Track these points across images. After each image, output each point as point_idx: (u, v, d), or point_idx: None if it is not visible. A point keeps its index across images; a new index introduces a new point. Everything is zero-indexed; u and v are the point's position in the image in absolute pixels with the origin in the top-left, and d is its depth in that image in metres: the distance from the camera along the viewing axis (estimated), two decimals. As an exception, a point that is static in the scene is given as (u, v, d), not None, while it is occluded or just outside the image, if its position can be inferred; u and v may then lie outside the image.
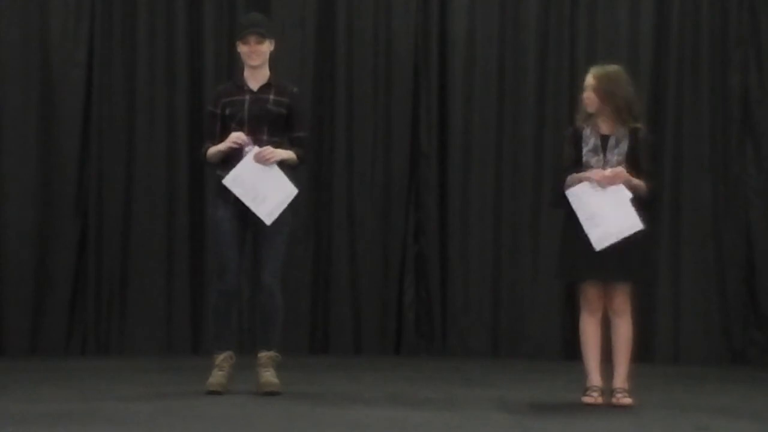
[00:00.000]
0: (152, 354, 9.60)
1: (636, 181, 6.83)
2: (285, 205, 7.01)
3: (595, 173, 6.80)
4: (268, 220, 6.99)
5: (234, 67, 7.29)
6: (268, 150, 7.00)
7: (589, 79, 6.93)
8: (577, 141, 6.93)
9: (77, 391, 7.27)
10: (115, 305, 9.86)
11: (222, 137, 7.09)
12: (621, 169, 6.79)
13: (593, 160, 6.87)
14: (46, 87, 9.82)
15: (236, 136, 7.01)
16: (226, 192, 7.03)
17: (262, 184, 6.97)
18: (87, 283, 9.82)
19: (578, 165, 6.89)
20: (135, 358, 9.44)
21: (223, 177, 7.06)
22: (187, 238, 9.89)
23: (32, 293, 9.71)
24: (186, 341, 9.88)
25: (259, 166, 6.99)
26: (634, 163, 6.86)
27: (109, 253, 9.87)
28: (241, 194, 6.98)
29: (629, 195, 6.77)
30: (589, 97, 6.91)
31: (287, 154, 7.08)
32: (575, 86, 9.94)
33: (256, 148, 6.98)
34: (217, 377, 7.04)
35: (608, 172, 6.79)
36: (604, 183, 6.77)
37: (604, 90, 6.86)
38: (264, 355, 7.10)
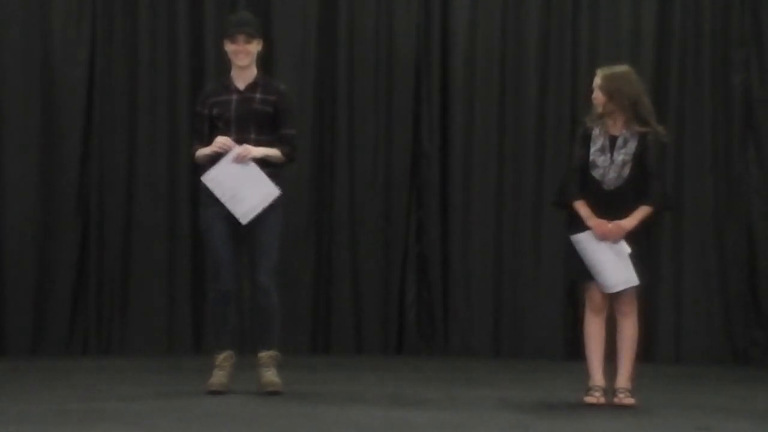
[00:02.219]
0: (153, 354, 9.59)
1: (638, 217, 6.82)
2: (264, 206, 6.98)
3: (597, 226, 6.81)
4: (243, 220, 6.98)
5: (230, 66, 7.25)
6: (243, 148, 6.98)
7: (597, 79, 6.95)
8: (587, 141, 6.93)
9: (78, 391, 7.27)
10: (116, 305, 9.86)
11: (210, 137, 7.07)
12: (622, 223, 6.80)
13: (600, 160, 6.88)
14: (47, 86, 9.81)
15: (221, 142, 6.98)
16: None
17: (241, 184, 6.95)
18: (88, 283, 9.81)
19: (586, 164, 6.90)
20: (136, 357, 9.43)
21: None
22: (188, 237, 9.87)
23: (34, 293, 9.70)
24: (187, 341, 9.87)
25: (238, 166, 6.96)
26: (642, 164, 6.86)
27: (111, 253, 9.86)
28: (219, 193, 6.97)
29: (628, 250, 6.79)
30: (597, 97, 6.92)
31: (269, 151, 7.04)
32: (577, 86, 9.99)
33: (236, 150, 6.96)
34: (218, 377, 7.04)
35: (611, 226, 6.80)
36: (605, 236, 6.79)
37: (609, 89, 6.87)
38: (265, 354, 7.09)
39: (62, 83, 9.84)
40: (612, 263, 6.80)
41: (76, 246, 9.81)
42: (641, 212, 6.84)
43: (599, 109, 6.93)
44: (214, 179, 6.99)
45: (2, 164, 9.74)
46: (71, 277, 9.79)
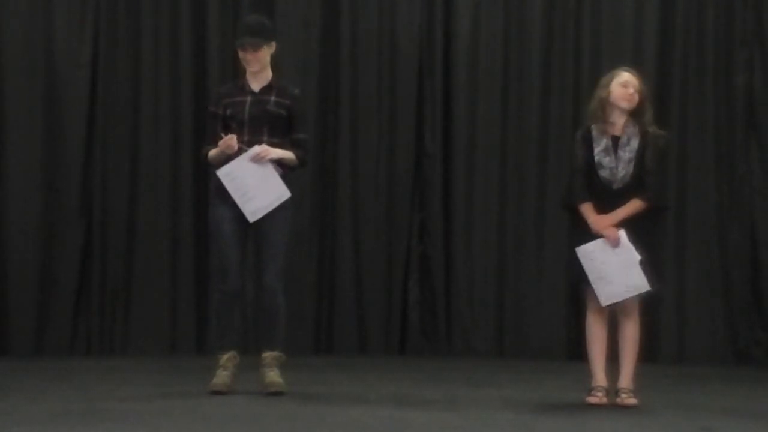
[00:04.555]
0: (156, 354, 9.61)
1: (627, 210, 6.82)
2: (273, 207, 7.00)
3: (596, 221, 6.82)
4: (251, 218, 7.00)
5: (238, 67, 7.27)
6: (263, 148, 7.01)
7: (633, 80, 6.91)
8: (588, 142, 6.94)
9: (81, 392, 7.27)
10: (119, 305, 9.86)
11: None
12: (613, 214, 6.82)
13: (605, 161, 6.88)
14: (50, 88, 9.81)
15: (224, 144, 6.98)
16: (225, 192, 7.03)
17: (254, 183, 6.97)
18: (91, 284, 9.82)
19: (591, 166, 6.89)
20: (139, 358, 9.44)
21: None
22: (191, 238, 9.89)
23: (37, 294, 9.71)
24: (190, 341, 9.88)
25: (255, 165, 6.99)
26: (642, 163, 6.87)
27: (114, 254, 9.87)
28: (232, 189, 6.99)
29: (638, 258, 6.78)
30: (634, 97, 6.90)
31: (285, 153, 7.07)
32: (579, 86, 9.99)
33: (256, 148, 6.98)
34: (221, 377, 7.04)
35: (605, 218, 6.80)
36: (612, 243, 6.78)
37: (644, 90, 6.91)
38: (268, 355, 7.10)
39: (65, 85, 9.83)
40: (623, 271, 6.76)
41: (79, 246, 9.82)
42: (632, 205, 6.84)
43: (627, 106, 6.88)
44: (229, 174, 7.00)
45: (5, 165, 9.74)
46: (74, 278, 9.80)
